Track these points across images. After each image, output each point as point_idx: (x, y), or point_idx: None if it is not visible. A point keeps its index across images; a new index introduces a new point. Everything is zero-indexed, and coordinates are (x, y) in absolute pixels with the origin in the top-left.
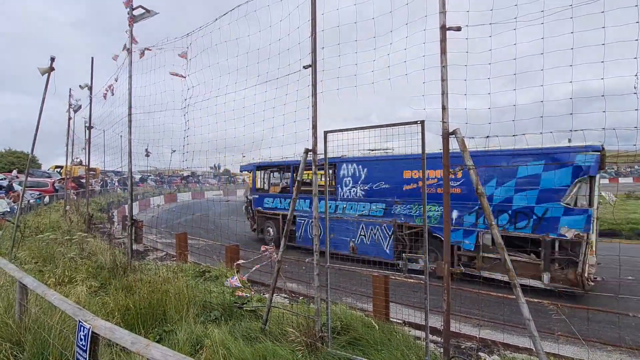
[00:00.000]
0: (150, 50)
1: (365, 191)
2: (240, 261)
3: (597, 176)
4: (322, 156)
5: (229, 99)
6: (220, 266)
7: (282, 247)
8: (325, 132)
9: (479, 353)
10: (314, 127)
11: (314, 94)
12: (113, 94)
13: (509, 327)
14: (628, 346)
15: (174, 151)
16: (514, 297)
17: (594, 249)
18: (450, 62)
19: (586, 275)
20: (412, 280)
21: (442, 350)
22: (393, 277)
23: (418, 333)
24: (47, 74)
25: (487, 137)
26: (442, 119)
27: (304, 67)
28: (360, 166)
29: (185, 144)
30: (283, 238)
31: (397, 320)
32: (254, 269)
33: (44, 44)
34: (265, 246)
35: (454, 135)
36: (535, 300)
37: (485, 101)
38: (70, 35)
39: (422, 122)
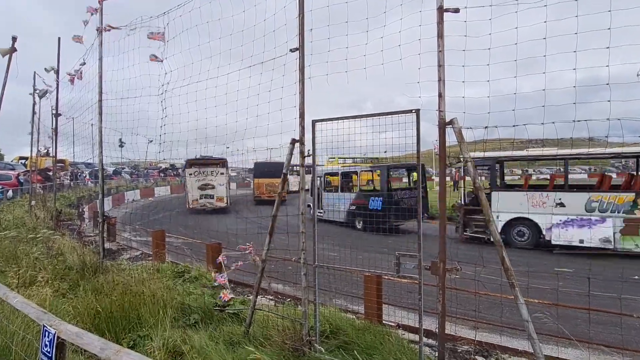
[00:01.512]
0: (116, 28)
1: None
2: (223, 257)
3: None
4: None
5: (210, 84)
6: (200, 266)
7: (267, 245)
8: (314, 122)
9: (476, 357)
10: (301, 115)
11: (301, 80)
12: (81, 78)
13: (507, 329)
14: (632, 349)
15: (151, 141)
16: (513, 297)
17: None
18: (447, 47)
19: None
20: (405, 281)
21: (437, 354)
22: (386, 277)
23: (412, 336)
24: (8, 56)
25: (486, 127)
26: (439, 108)
27: (291, 51)
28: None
29: (162, 133)
30: (268, 236)
31: (391, 323)
32: (232, 267)
33: (9, 23)
34: (243, 246)
35: (450, 126)
36: (535, 300)
37: (485, 89)
38: (39, 15)
39: (417, 111)
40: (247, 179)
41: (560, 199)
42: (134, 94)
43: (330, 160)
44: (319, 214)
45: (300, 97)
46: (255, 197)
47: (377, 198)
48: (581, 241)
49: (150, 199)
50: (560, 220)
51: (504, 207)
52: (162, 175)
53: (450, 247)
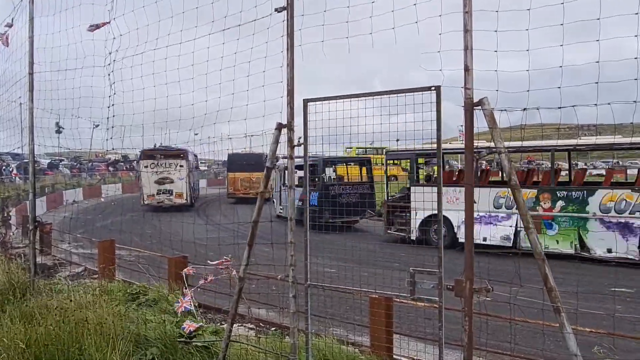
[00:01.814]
0: None
1: None
2: (190, 270)
3: None
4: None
5: (172, 53)
6: (161, 286)
7: (246, 260)
8: (305, 101)
9: None
10: (290, 94)
11: (290, 48)
12: (7, 45)
13: None
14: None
15: (97, 126)
16: (557, 325)
17: None
18: (476, 6)
19: None
20: (422, 304)
21: None
22: (398, 300)
23: None
24: None
25: (525, 109)
26: (465, 85)
27: (277, 10)
28: None
29: (111, 115)
30: (247, 247)
31: (403, 358)
32: (201, 283)
33: None
34: (219, 260)
35: (479, 107)
36: (586, 329)
37: (524, 61)
38: None
39: (438, 89)
40: (221, 175)
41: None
42: (74, 65)
43: (347, 150)
44: (280, 211)
45: (289, 71)
46: (229, 195)
47: (314, 193)
48: (484, 239)
49: (96, 199)
50: (479, 216)
51: (421, 203)
52: (112, 169)
53: (476, 262)
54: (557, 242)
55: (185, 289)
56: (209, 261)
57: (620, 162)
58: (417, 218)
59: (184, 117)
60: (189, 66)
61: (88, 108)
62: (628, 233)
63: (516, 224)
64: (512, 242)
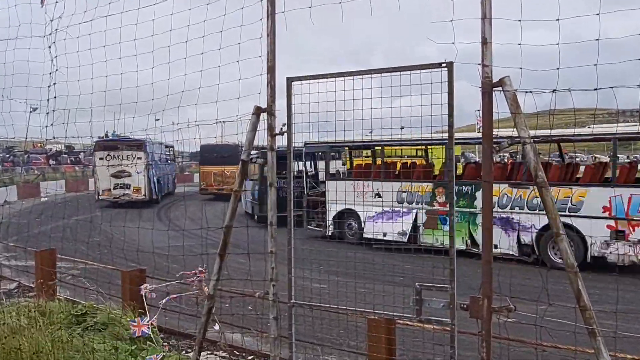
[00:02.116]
0: None
1: None
2: (147, 287)
3: None
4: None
5: (127, 21)
6: (112, 306)
7: (216, 273)
8: (289, 80)
9: None
10: (271, 71)
11: (271, 15)
12: None
13: None
14: None
15: (34, 110)
16: (593, 351)
17: None
18: None
19: None
20: (431, 327)
21: None
22: (402, 323)
23: None
24: None
25: (554, 91)
26: (482, 61)
27: None
28: None
29: (52, 97)
30: (218, 258)
31: None
32: (165, 300)
33: None
34: (188, 272)
35: (499, 88)
36: (628, 356)
37: (553, 32)
38: None
39: (450, 66)
40: (188, 170)
41: (378, 190)
42: (6, 35)
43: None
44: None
45: (269, 43)
46: (202, 190)
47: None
48: (384, 234)
49: (33, 200)
50: (375, 213)
51: (334, 198)
52: (53, 162)
53: (476, 274)
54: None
55: (143, 312)
56: (185, 272)
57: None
58: (331, 211)
59: (141, 99)
60: (148, 37)
61: (23, 87)
62: (509, 228)
63: (414, 219)
64: (407, 237)
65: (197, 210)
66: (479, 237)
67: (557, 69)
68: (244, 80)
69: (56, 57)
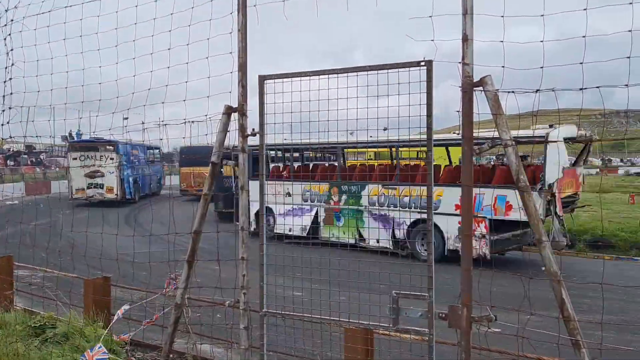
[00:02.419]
0: None
1: None
2: (121, 312)
3: None
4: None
5: (88, 12)
6: (74, 316)
7: (184, 281)
8: (262, 78)
9: None
10: (242, 68)
11: (242, 9)
12: None
13: None
14: None
15: None
16: None
17: None
18: None
19: None
20: (409, 337)
21: None
22: (379, 333)
23: None
24: None
25: (538, 91)
26: (462, 59)
27: None
28: None
29: (8, 93)
30: (186, 266)
31: None
32: (143, 324)
33: None
34: (172, 277)
35: (480, 88)
36: None
37: (538, 28)
38: None
39: (429, 64)
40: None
41: (288, 189)
42: None
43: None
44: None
45: (240, 38)
46: (182, 192)
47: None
48: (290, 230)
49: None
50: (285, 210)
51: (255, 197)
52: (11, 163)
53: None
54: (344, 232)
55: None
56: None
57: None
58: (252, 209)
59: (105, 97)
60: (112, 30)
61: None
62: (386, 224)
63: (316, 215)
64: (307, 232)
65: (168, 214)
66: (365, 232)
67: (541, 67)
68: (215, 78)
69: (12, 50)
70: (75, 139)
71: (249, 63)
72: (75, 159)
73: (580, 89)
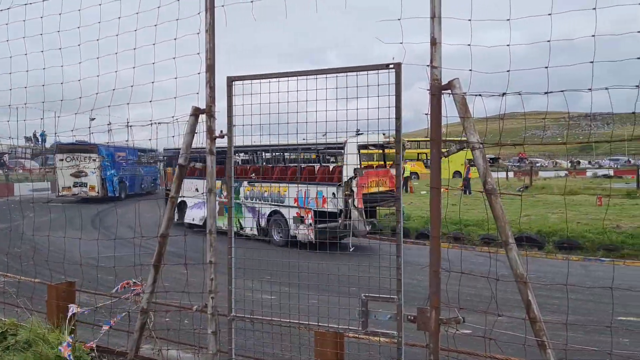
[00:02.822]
0: None
1: None
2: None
3: None
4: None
5: (51, 9)
6: (37, 322)
7: (150, 286)
8: (230, 80)
9: None
10: (210, 69)
11: (210, 9)
12: None
13: None
14: None
15: None
16: None
17: None
18: None
19: None
20: (378, 339)
21: None
22: (350, 336)
23: None
24: None
25: (504, 94)
26: (431, 62)
27: None
28: None
29: None
30: (152, 270)
31: None
32: (103, 329)
33: None
34: (128, 281)
35: (449, 91)
36: None
37: (505, 32)
38: None
39: (398, 67)
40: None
41: (196, 185)
42: None
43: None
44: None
45: (208, 39)
46: (167, 191)
47: None
48: (193, 219)
49: None
50: (194, 203)
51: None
52: None
53: (448, 284)
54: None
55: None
56: (125, 282)
57: None
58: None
59: (68, 97)
60: (75, 29)
61: None
62: (256, 215)
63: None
64: (202, 222)
65: (145, 212)
66: (244, 222)
67: (508, 71)
68: (185, 79)
69: None
70: (40, 140)
71: (220, 64)
72: (61, 160)
73: (545, 93)
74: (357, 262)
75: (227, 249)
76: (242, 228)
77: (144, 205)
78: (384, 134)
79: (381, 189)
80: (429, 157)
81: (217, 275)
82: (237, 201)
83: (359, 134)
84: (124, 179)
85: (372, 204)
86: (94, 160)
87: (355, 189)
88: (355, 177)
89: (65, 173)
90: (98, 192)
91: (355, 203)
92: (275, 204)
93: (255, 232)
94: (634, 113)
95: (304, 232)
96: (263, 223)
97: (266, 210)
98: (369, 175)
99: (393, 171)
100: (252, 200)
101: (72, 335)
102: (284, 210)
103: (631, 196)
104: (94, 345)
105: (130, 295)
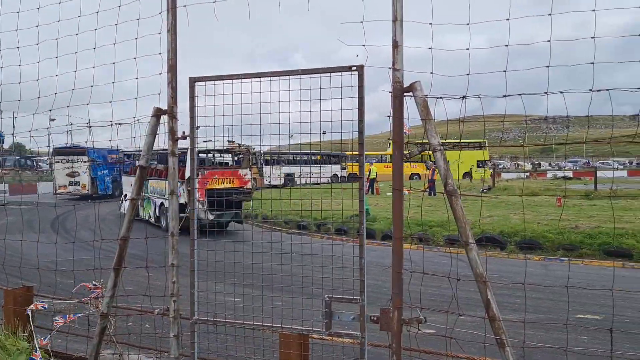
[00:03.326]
0: None
1: None
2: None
3: None
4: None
5: (7, 7)
6: None
7: (110, 290)
8: (193, 80)
9: None
10: (172, 69)
11: (171, 9)
12: None
13: None
14: None
15: None
16: None
17: None
18: None
19: None
20: (342, 340)
21: None
22: (315, 337)
23: None
24: None
25: (464, 97)
26: (393, 65)
27: None
28: None
29: None
30: (112, 273)
31: None
32: (56, 325)
33: None
34: (87, 284)
35: (410, 94)
36: None
37: (465, 35)
38: None
39: (360, 69)
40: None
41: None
42: None
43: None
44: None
45: (170, 39)
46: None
47: None
48: (137, 214)
49: None
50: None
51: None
52: None
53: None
54: (146, 211)
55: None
56: (87, 285)
57: None
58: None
59: (26, 97)
60: (33, 27)
61: None
62: (153, 206)
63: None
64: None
65: (109, 215)
66: (150, 212)
67: (467, 74)
68: (146, 79)
69: None
70: None
71: (184, 65)
72: (57, 161)
73: (504, 96)
74: (321, 264)
75: (189, 251)
76: (156, 219)
77: (114, 205)
78: (229, 141)
79: (230, 185)
80: (432, 159)
81: (180, 278)
82: (146, 195)
83: (323, 133)
84: (117, 179)
85: (218, 197)
86: (84, 162)
87: (197, 185)
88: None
89: (62, 173)
90: (88, 190)
91: (198, 197)
92: (162, 197)
93: (153, 220)
94: (587, 116)
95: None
96: (159, 212)
97: (157, 201)
98: (212, 174)
99: (243, 172)
100: (153, 194)
101: (29, 343)
102: (166, 202)
103: (589, 197)
104: (49, 344)
105: (90, 298)
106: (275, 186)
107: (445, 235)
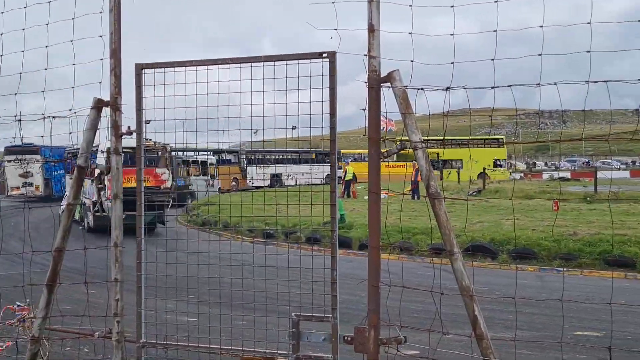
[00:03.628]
0: None
1: None
2: None
3: None
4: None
5: None
6: None
7: (43, 309)
8: (140, 67)
9: None
10: (115, 55)
11: None
12: None
13: None
14: None
15: None
16: None
17: None
18: None
19: None
20: None
21: None
22: None
23: None
24: None
25: (448, 88)
26: (369, 52)
27: None
28: None
29: None
30: (45, 290)
31: None
32: None
33: None
34: (11, 306)
35: (388, 84)
36: None
37: (450, 18)
38: None
39: (332, 56)
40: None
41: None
42: None
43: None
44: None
45: (114, 19)
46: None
47: None
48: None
49: None
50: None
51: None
52: None
53: (388, 298)
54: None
55: None
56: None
57: None
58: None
59: None
60: None
61: None
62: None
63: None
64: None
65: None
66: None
67: (452, 63)
68: (85, 65)
69: None
70: None
71: (133, 49)
72: (9, 161)
73: (492, 87)
74: (288, 277)
75: (135, 264)
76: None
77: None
78: (147, 139)
79: (146, 184)
80: (441, 157)
81: (125, 295)
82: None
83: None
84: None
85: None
86: (37, 161)
87: (107, 183)
88: (103, 174)
89: (14, 174)
90: (42, 192)
91: (107, 194)
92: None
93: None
94: (584, 111)
95: (90, 219)
96: (83, 211)
97: (84, 200)
98: (124, 173)
99: (159, 170)
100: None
101: None
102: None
103: (588, 200)
104: None
105: (16, 321)
106: (259, 187)
107: (430, 244)
